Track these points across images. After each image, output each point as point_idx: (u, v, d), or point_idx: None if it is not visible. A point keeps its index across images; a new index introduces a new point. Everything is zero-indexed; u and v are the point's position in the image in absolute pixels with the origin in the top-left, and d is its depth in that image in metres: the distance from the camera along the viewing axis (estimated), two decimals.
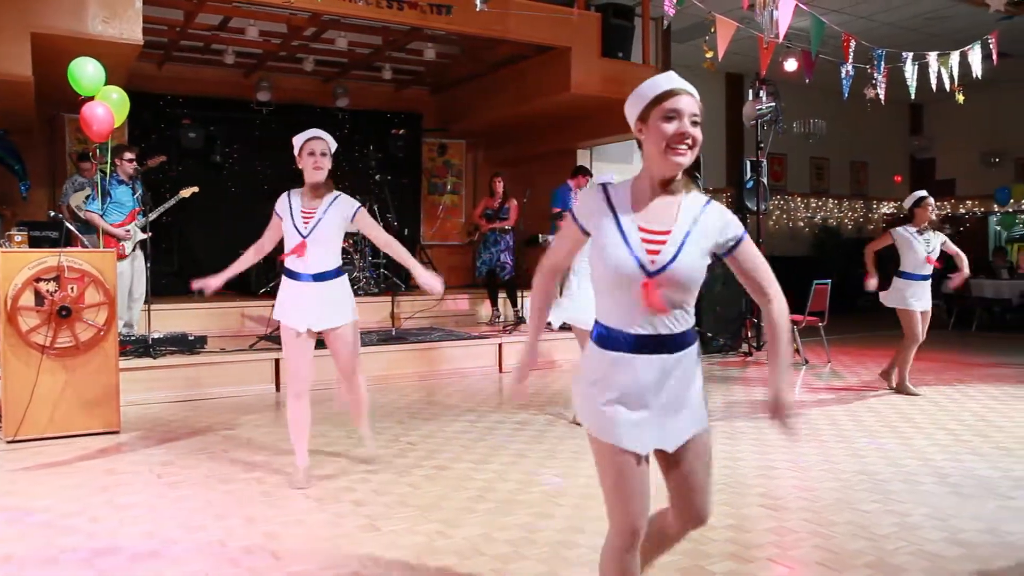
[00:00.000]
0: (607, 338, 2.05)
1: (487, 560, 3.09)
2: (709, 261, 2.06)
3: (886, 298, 6.56)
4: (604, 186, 2.07)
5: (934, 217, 6.54)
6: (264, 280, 8.88)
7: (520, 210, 8.85)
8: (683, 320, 2.05)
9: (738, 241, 2.06)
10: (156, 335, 6.60)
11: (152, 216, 6.97)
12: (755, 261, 2.09)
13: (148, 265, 6.80)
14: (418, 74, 10.83)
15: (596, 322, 2.10)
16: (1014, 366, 7.94)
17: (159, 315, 7.26)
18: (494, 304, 9.17)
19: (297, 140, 3.99)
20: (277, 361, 6.76)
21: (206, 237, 9.86)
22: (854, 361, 8.33)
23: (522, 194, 8.75)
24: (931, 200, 6.48)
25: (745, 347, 8.94)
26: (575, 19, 6.69)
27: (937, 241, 6.47)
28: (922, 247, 6.40)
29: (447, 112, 11.40)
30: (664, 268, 1.97)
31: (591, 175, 9.29)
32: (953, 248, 6.50)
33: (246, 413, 5.88)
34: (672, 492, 2.18)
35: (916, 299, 6.41)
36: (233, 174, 10.19)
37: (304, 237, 3.93)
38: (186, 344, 6.63)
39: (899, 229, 6.51)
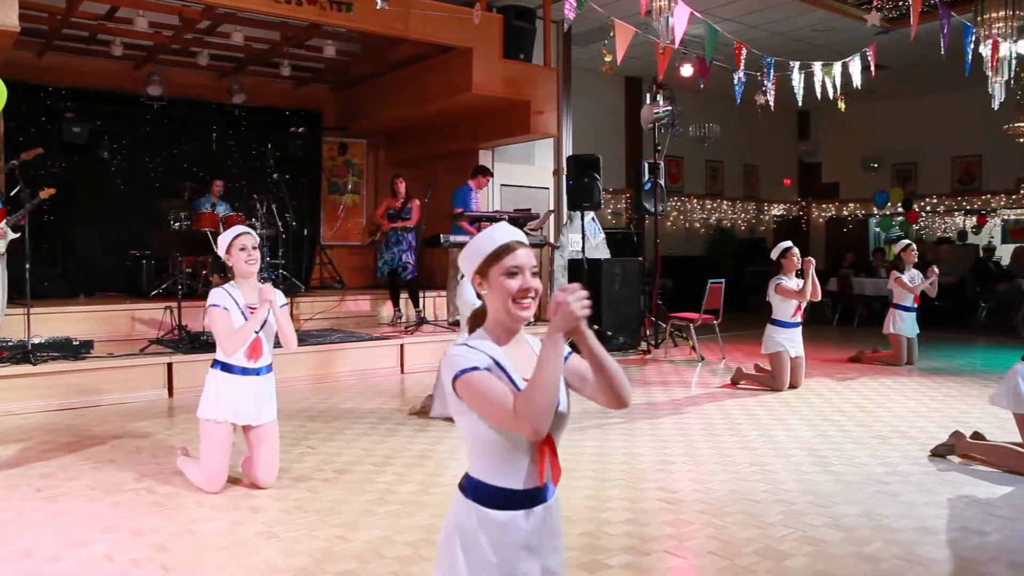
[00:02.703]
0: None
1: (388, 563, 3.06)
2: None
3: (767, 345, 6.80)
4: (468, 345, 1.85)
5: (800, 266, 6.74)
6: (156, 282, 8.53)
7: (422, 210, 8.80)
8: None
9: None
10: (36, 340, 6.23)
11: (13, 219, 6.53)
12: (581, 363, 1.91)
13: (28, 267, 6.39)
14: (318, 71, 10.63)
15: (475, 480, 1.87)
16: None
17: (40, 319, 6.86)
18: (396, 305, 9.08)
19: (224, 238, 4.00)
20: (170, 365, 6.51)
21: (92, 237, 9.42)
22: (747, 357, 8.64)
23: (423, 194, 8.70)
24: (796, 249, 6.79)
25: (644, 345, 9.15)
26: (477, 20, 6.69)
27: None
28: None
29: (348, 111, 11.23)
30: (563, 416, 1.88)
31: (492, 175, 9.33)
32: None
33: (136, 420, 5.63)
34: None
35: (790, 344, 6.72)
36: (121, 171, 9.77)
37: (257, 333, 3.96)
38: (70, 349, 6.28)
39: (784, 279, 6.69)
